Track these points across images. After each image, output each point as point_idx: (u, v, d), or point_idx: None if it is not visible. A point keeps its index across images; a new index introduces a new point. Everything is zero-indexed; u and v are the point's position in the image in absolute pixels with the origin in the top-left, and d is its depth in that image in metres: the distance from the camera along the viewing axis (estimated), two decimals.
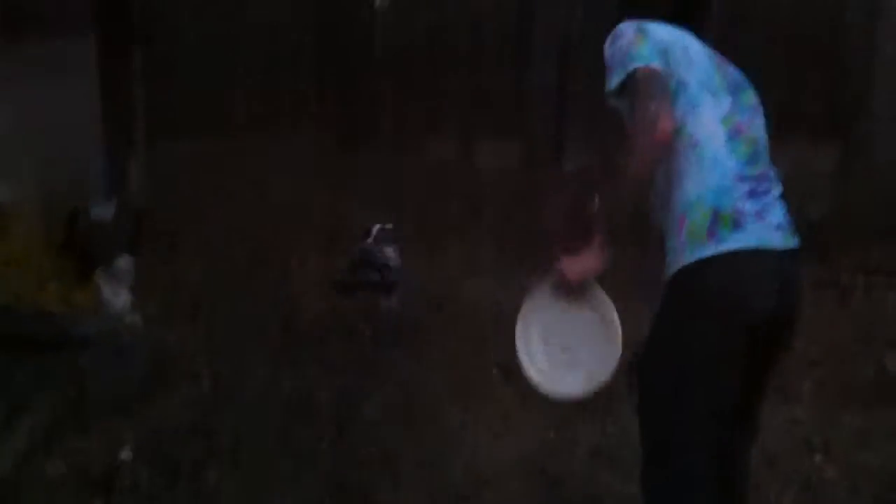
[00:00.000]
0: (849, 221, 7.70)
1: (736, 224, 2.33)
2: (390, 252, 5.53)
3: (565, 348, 2.60)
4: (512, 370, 4.83)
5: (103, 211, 6.42)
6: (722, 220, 2.33)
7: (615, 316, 2.55)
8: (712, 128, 2.36)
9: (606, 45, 2.42)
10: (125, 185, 8.65)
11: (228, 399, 4.06)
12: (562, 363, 2.60)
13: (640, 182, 2.33)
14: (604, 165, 2.77)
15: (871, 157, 9.00)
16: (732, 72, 2.50)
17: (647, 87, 2.28)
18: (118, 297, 5.13)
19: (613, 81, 2.36)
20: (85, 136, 8.58)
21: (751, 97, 2.50)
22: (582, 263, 2.53)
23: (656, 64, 2.31)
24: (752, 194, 2.37)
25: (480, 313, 5.81)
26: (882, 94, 8.94)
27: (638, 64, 2.30)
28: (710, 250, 2.32)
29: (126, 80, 9.62)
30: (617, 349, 2.54)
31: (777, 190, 2.46)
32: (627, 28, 2.39)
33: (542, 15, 13.80)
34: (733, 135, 2.38)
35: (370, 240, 5.58)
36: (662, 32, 2.39)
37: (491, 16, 17.93)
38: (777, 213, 2.43)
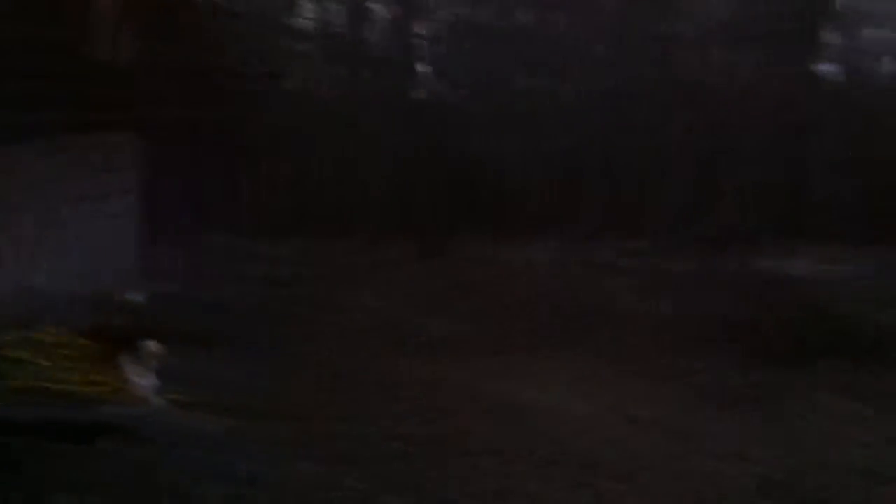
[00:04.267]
0: None
1: None
2: None
3: None
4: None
5: (136, 297, 6.45)
6: None
7: None
8: None
9: None
10: (161, 275, 8.72)
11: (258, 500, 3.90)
12: None
13: None
14: None
15: None
16: None
17: None
18: (144, 380, 5.06)
19: None
20: (126, 228, 8.74)
21: None
22: None
23: None
24: None
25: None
26: None
27: None
28: None
29: (167, 177, 9.85)
30: None
31: None
32: None
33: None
34: None
35: None
36: None
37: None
38: None
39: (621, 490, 4.44)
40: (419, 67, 17.66)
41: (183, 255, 9.36)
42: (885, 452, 5.13)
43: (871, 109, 14.42)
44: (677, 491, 4.51)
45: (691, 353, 7.54)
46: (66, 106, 7.67)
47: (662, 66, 14.40)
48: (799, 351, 7.33)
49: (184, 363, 5.83)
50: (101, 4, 8.51)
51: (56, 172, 7.42)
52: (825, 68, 16.83)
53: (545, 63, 16.04)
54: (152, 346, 5.50)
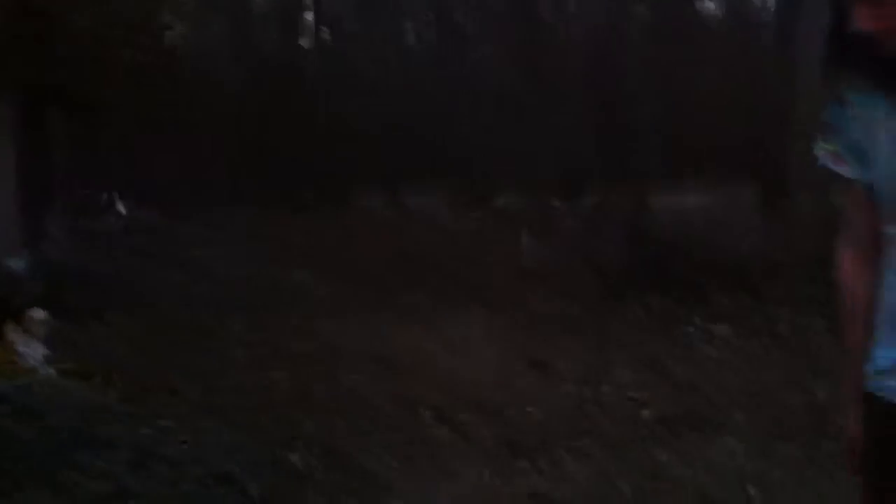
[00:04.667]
0: (774, 254, 7.85)
1: None
2: None
3: None
4: (445, 413, 4.79)
5: (16, 264, 6.22)
6: None
7: None
8: None
9: None
10: (43, 241, 8.42)
11: (144, 467, 3.86)
12: None
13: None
14: None
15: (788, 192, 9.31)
16: None
17: None
18: (32, 350, 4.92)
19: None
20: (2, 195, 8.36)
21: None
22: None
23: None
24: None
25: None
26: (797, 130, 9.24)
27: None
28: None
29: (44, 139, 9.44)
30: None
31: None
32: None
33: None
34: None
35: None
36: None
37: None
38: None
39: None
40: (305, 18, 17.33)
41: (63, 221, 9.05)
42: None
43: (752, 46, 14.85)
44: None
45: (562, 292, 7.75)
46: None
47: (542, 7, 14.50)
48: (674, 284, 7.61)
49: (71, 332, 5.68)
50: None
51: None
52: (707, 4, 17.19)
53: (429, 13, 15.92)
54: (39, 315, 5.35)
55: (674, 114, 14.46)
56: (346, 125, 16.84)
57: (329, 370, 5.45)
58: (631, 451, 4.48)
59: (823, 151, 1.66)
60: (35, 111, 9.05)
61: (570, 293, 7.84)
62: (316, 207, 13.18)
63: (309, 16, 18.15)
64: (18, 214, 8.59)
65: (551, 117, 13.11)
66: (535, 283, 8.11)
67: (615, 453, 4.47)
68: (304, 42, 17.93)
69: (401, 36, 17.84)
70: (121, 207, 11.94)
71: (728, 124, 14.04)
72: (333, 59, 17.59)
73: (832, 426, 3.57)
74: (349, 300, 7.58)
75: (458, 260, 9.28)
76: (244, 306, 7.07)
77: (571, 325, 6.88)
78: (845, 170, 1.62)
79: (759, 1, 15.91)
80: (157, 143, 15.35)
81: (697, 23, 16.39)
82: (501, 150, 13.83)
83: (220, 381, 5.18)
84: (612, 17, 14.23)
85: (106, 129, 13.11)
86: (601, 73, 13.46)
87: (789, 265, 7.56)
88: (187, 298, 7.12)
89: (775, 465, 4.08)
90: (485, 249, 9.58)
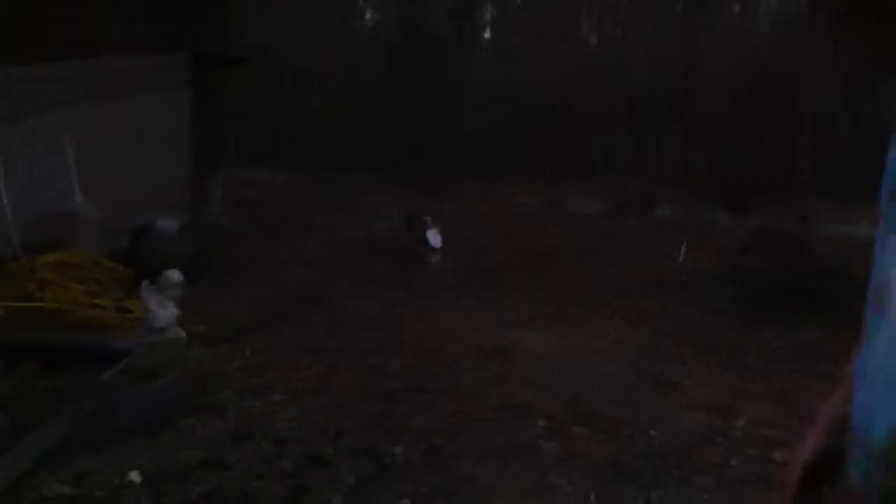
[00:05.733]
0: None
1: None
2: None
3: None
4: (558, 425, 4.57)
5: (167, 225, 6.41)
6: None
7: None
8: None
9: None
10: (203, 206, 8.69)
11: (247, 438, 3.86)
12: None
13: None
14: None
15: None
16: None
17: None
18: (164, 310, 5.03)
19: None
20: (173, 155, 8.69)
21: None
22: None
23: None
24: None
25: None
26: None
27: None
28: None
29: (217, 105, 9.76)
30: None
31: None
32: None
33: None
34: None
35: None
36: None
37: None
38: None
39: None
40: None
41: (226, 186, 9.33)
42: None
43: None
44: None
45: (707, 310, 7.33)
46: (117, 21, 7.59)
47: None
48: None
49: (209, 297, 5.81)
50: None
51: (104, 92, 7.35)
52: None
53: None
54: (176, 276, 5.47)
55: (850, 136, 13.56)
56: (510, 121, 16.70)
57: (446, 365, 5.33)
58: (753, 493, 4.13)
59: None
60: (209, 80, 9.35)
61: (716, 312, 7.42)
62: (470, 199, 13.12)
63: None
64: (187, 177, 8.92)
65: (717, 128, 12.53)
66: (681, 298, 7.73)
67: (734, 493, 4.14)
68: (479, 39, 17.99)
69: (575, 36, 17.55)
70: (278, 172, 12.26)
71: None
72: (501, 55, 17.50)
73: None
74: (479, 294, 7.44)
75: (603, 265, 8.99)
76: (376, 288, 7.06)
77: (711, 347, 6.48)
78: None
79: None
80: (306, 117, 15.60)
81: None
82: (663, 156, 13.35)
83: (339, 362, 5.15)
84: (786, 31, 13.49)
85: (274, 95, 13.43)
86: (775, 86, 12.76)
87: None
88: (323, 275, 7.18)
89: None
90: (633, 257, 9.23)
